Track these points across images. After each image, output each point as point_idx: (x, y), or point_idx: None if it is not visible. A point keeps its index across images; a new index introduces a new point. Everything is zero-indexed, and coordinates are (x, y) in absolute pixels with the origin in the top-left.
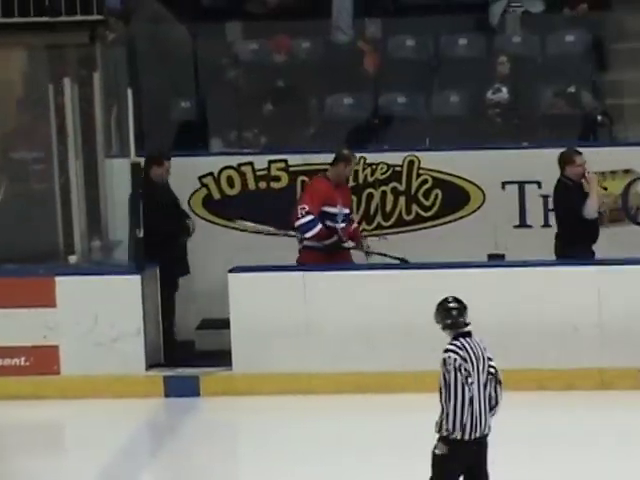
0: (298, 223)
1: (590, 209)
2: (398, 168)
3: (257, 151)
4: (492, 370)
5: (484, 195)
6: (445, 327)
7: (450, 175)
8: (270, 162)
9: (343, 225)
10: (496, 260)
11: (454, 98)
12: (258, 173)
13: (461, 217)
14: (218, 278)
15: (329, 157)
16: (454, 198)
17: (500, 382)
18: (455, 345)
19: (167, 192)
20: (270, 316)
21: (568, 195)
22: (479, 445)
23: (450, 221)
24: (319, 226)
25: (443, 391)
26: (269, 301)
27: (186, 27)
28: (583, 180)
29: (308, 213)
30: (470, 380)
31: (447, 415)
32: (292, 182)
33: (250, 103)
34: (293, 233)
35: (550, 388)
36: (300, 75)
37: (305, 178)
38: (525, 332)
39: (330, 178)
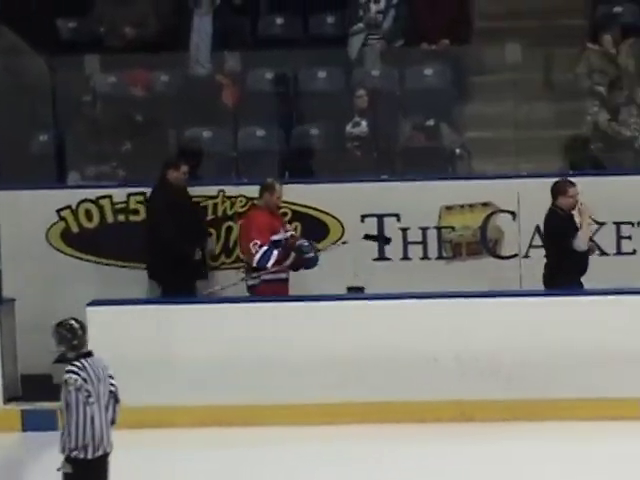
0: (256, 259)
1: (581, 241)
2: (257, 201)
3: (116, 184)
4: (113, 389)
5: (343, 228)
6: (70, 348)
7: (309, 208)
8: (129, 195)
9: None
10: (355, 293)
11: (314, 131)
12: (117, 206)
13: (320, 250)
14: (76, 312)
15: (189, 190)
16: (313, 230)
17: (118, 401)
18: (76, 366)
19: (184, 195)
20: (127, 349)
21: (559, 225)
22: (102, 463)
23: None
24: (276, 252)
25: (65, 411)
26: (126, 334)
27: (44, 59)
28: (574, 211)
29: (261, 246)
30: (91, 400)
31: (69, 435)
32: None
33: (108, 136)
34: (255, 275)
35: (410, 420)
36: (159, 108)
37: None
38: (387, 363)
39: (263, 207)
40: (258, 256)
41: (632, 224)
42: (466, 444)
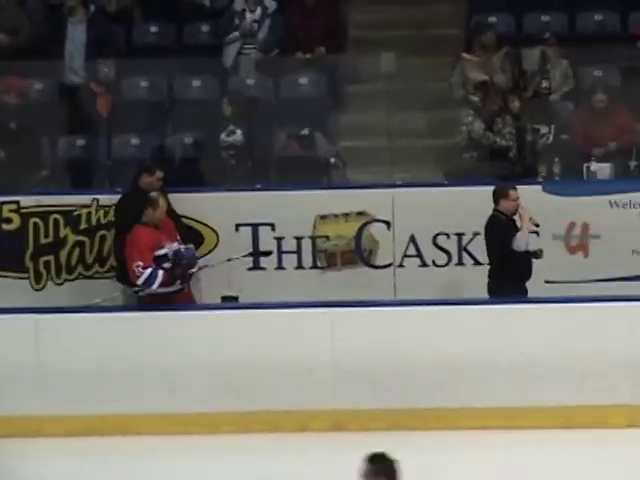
0: (140, 281)
1: (520, 241)
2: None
3: None
4: None
5: (218, 237)
6: None
7: (184, 217)
8: (2, 203)
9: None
10: (230, 302)
11: (188, 140)
12: None
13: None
14: None
15: (62, 198)
16: (188, 239)
17: None
18: None
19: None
20: (2, 359)
21: (499, 228)
22: None
23: None
24: (160, 273)
25: None
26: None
27: None
28: (516, 216)
29: (145, 267)
30: None
31: None
32: (24, 224)
33: None
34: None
35: (285, 429)
36: (32, 116)
37: (37, 220)
38: (261, 373)
39: (147, 223)
40: (143, 278)
41: None
42: (340, 453)
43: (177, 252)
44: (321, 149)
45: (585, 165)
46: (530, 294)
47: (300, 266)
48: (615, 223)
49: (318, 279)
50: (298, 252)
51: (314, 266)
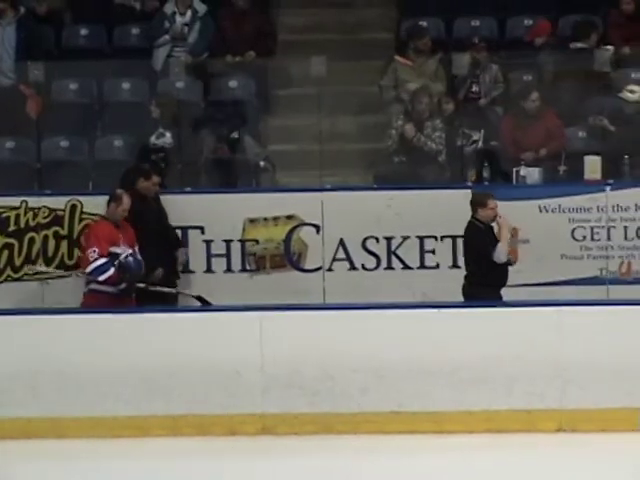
0: (91, 267)
1: (500, 254)
2: (60, 212)
3: None
4: None
5: None
6: None
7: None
8: None
9: (134, 265)
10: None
11: (118, 142)
12: None
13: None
14: None
15: None
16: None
17: None
18: None
19: (154, 205)
20: None
21: (478, 237)
22: None
23: None
24: (111, 270)
25: None
26: None
27: None
28: (494, 224)
29: (100, 256)
30: None
31: None
32: None
33: None
34: (80, 274)
35: (214, 433)
36: None
37: None
38: (190, 376)
39: (109, 218)
40: (94, 265)
41: (435, 238)
42: (269, 458)
43: (123, 264)
44: (250, 152)
45: (514, 170)
46: (456, 298)
47: (229, 269)
48: (544, 228)
49: (247, 282)
50: (227, 255)
51: (243, 269)
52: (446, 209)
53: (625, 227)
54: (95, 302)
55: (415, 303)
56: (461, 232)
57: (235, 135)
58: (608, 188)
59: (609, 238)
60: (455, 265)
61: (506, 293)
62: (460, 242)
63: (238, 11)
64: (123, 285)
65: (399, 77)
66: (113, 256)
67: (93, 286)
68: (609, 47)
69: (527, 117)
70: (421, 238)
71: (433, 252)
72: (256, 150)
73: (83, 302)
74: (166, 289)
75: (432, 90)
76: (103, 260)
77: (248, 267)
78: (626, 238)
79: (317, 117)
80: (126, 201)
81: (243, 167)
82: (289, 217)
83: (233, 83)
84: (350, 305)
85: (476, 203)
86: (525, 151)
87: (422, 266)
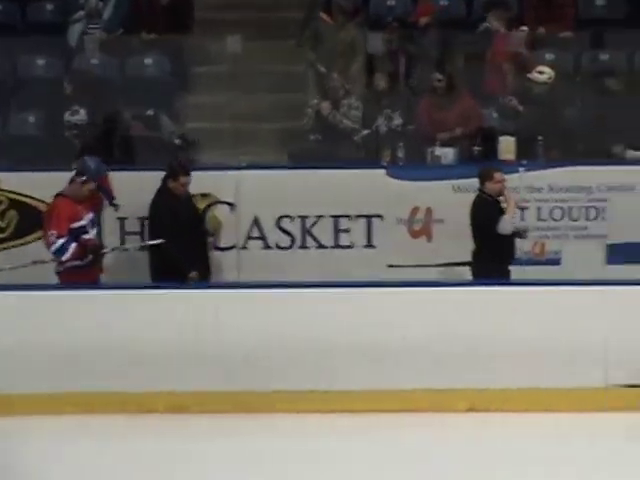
0: (52, 249)
1: (506, 224)
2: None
3: None
4: None
5: None
6: None
7: (26, 197)
8: None
9: (94, 231)
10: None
11: (31, 119)
12: None
13: (39, 238)
14: None
15: None
16: (31, 220)
17: None
18: None
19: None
20: None
21: (485, 210)
22: None
23: (26, 242)
24: (73, 245)
25: None
26: None
27: None
28: (501, 197)
29: (59, 237)
30: None
31: None
32: None
33: None
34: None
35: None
36: None
37: None
38: (103, 355)
39: (68, 195)
40: (53, 248)
41: (349, 217)
42: (181, 436)
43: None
44: (166, 130)
45: (429, 150)
46: (373, 278)
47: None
48: (459, 208)
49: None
50: (141, 233)
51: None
52: (361, 188)
53: (539, 208)
54: (69, 279)
55: (328, 282)
56: (375, 211)
57: (150, 112)
58: (522, 169)
59: (523, 219)
60: (369, 244)
61: (422, 273)
62: (375, 221)
63: None
64: (89, 257)
65: (319, 34)
66: (75, 231)
67: (68, 264)
68: (524, 28)
69: (443, 97)
70: (335, 217)
71: (347, 231)
72: (172, 128)
73: (60, 282)
74: (130, 245)
75: (349, 66)
76: (62, 240)
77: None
78: (540, 219)
79: (233, 95)
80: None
81: (159, 145)
82: (204, 195)
83: (148, 60)
84: (265, 284)
85: (483, 176)
86: (441, 131)
87: (336, 245)
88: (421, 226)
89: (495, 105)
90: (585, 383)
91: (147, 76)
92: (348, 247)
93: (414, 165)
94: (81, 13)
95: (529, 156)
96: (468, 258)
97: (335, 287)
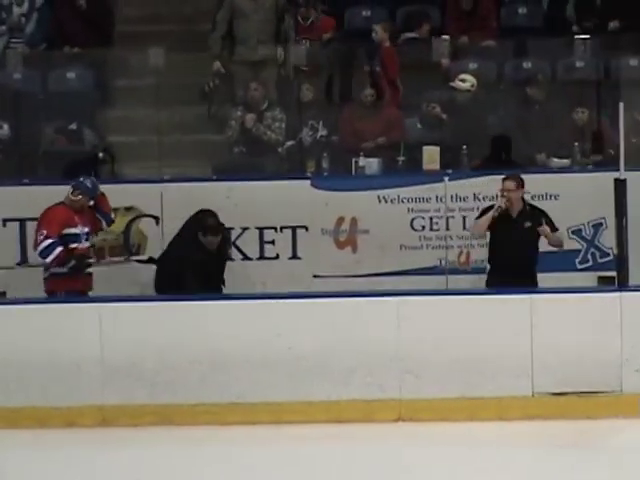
0: (39, 249)
1: (472, 226)
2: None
3: None
4: None
5: None
6: None
7: None
8: None
9: (87, 244)
10: None
11: None
12: None
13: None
14: None
15: None
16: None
17: None
18: None
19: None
20: None
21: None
22: None
23: None
24: (59, 249)
25: None
26: None
27: None
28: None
29: (47, 237)
30: None
31: None
32: None
33: None
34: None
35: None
36: None
37: None
38: (28, 368)
39: (66, 203)
40: (41, 247)
41: (275, 229)
42: (107, 449)
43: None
44: (89, 144)
45: (353, 160)
46: (297, 289)
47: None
48: (383, 218)
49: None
50: None
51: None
52: (285, 200)
53: (464, 217)
54: (57, 286)
55: (255, 294)
56: (300, 222)
57: (73, 126)
58: (446, 178)
59: (448, 228)
60: (295, 256)
61: (347, 283)
62: (300, 232)
63: (75, 2)
64: (72, 263)
65: (237, 8)
66: (66, 237)
67: (53, 270)
68: (446, 37)
69: (366, 108)
70: (260, 229)
71: (272, 243)
72: (95, 141)
73: (45, 288)
74: (116, 258)
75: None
76: (50, 241)
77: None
78: (465, 228)
79: (156, 108)
80: (84, 201)
81: (82, 158)
82: (128, 208)
83: (71, 74)
84: (187, 296)
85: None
86: (365, 141)
87: (261, 257)
88: (346, 236)
89: (419, 115)
90: (511, 392)
91: (70, 90)
92: (273, 258)
93: (339, 176)
94: (3, 27)
95: (454, 165)
96: (394, 268)
97: (258, 299)
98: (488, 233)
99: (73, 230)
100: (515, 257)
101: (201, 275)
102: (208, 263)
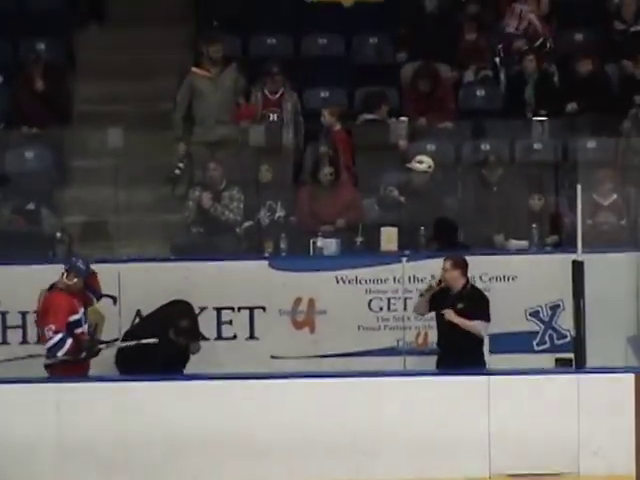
0: (48, 345)
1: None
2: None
3: None
4: None
5: None
6: None
7: None
8: None
9: (87, 326)
10: None
11: None
12: None
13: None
14: None
15: None
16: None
17: None
18: None
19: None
20: None
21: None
22: None
23: None
24: (69, 341)
25: None
26: None
27: None
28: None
29: (56, 332)
30: None
31: None
32: None
33: None
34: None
35: None
36: None
37: None
38: None
39: (62, 288)
40: (51, 343)
41: (232, 309)
42: None
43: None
44: (47, 224)
45: (312, 241)
46: (255, 369)
47: (25, 341)
48: (341, 299)
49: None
50: (23, 327)
51: (39, 341)
52: (243, 280)
53: None
54: (65, 371)
55: (212, 374)
56: (258, 303)
57: (31, 206)
58: (404, 259)
59: (405, 309)
60: (252, 337)
61: (304, 364)
62: (257, 313)
63: (33, 82)
64: (83, 354)
65: (196, 89)
66: (72, 325)
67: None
68: (404, 119)
69: (324, 188)
70: (218, 309)
71: (230, 323)
72: (53, 221)
73: (49, 374)
74: (124, 343)
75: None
76: (59, 336)
77: None
78: None
79: (114, 188)
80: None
81: (39, 239)
82: None
83: (29, 154)
84: (144, 376)
85: None
86: (323, 222)
87: (219, 337)
88: (304, 317)
89: (377, 196)
90: (469, 473)
91: (28, 170)
92: (231, 339)
93: (297, 256)
94: None
95: (411, 246)
96: (352, 349)
97: (214, 379)
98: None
99: (76, 317)
100: (452, 337)
101: (165, 364)
102: (173, 356)
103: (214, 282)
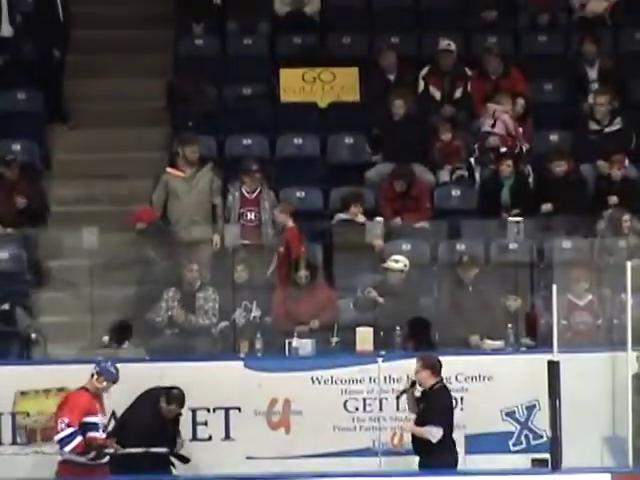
0: (58, 437)
1: None
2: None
3: None
4: None
5: None
6: None
7: None
8: None
9: (104, 435)
10: None
11: None
12: None
13: None
14: None
15: None
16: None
17: None
18: None
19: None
20: None
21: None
22: None
23: None
24: (78, 438)
25: None
26: None
27: None
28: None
29: (69, 425)
30: None
31: None
32: None
33: None
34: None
35: None
36: None
37: None
38: None
39: (89, 389)
40: (61, 435)
41: (208, 410)
42: None
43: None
44: (22, 324)
45: (287, 341)
46: (230, 471)
47: (0, 442)
48: (317, 399)
49: (18, 456)
50: None
51: (14, 442)
52: (218, 381)
53: (397, 398)
54: (68, 472)
55: (187, 477)
56: (233, 404)
57: (6, 307)
58: (380, 359)
59: (381, 409)
60: (228, 437)
61: (280, 465)
62: (232, 413)
63: (8, 183)
64: (92, 454)
65: (171, 190)
66: (86, 425)
67: (66, 456)
68: (379, 219)
69: (299, 289)
70: (193, 410)
71: (205, 424)
72: (27, 322)
73: (57, 471)
74: (135, 450)
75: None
76: (70, 430)
77: (19, 440)
78: (398, 409)
79: (89, 288)
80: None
81: (14, 339)
82: (61, 389)
83: (4, 254)
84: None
85: None
86: (298, 322)
87: (194, 438)
88: (280, 418)
89: (352, 296)
90: None
91: (3, 270)
92: (206, 440)
93: (272, 357)
94: None
95: (387, 346)
96: (327, 450)
97: None
98: None
99: (93, 419)
100: (414, 439)
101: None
102: (159, 431)
103: (189, 383)
